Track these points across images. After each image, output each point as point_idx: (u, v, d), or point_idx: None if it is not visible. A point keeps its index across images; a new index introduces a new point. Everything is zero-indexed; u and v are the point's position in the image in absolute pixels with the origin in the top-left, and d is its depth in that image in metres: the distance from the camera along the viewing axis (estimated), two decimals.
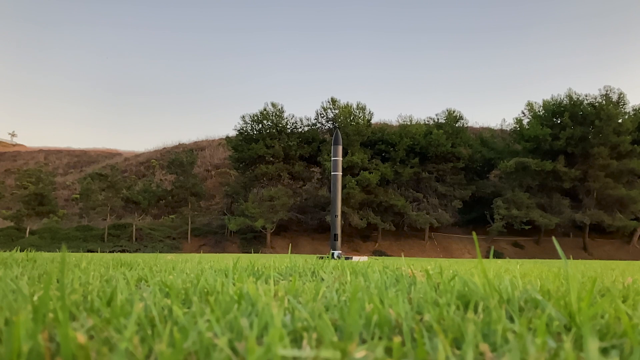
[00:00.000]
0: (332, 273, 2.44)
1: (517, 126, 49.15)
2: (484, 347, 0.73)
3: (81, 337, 0.68)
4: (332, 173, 7.62)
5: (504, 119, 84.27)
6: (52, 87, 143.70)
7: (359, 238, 46.69)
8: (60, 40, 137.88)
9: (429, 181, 47.58)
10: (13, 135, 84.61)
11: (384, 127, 51.22)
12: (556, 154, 45.33)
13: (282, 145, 47.17)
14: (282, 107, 48.92)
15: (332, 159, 7.58)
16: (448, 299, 1.14)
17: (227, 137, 52.08)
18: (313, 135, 47.86)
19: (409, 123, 49.55)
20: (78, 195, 50.27)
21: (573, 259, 11.26)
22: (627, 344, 0.79)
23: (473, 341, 0.71)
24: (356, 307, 0.79)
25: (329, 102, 48.26)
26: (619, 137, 44.12)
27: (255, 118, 48.45)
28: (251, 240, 45.26)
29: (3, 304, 0.97)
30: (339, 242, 7.23)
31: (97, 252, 26.69)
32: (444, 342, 0.72)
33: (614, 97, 45.90)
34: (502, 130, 57.67)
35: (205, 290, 1.45)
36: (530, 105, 48.98)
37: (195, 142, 71.97)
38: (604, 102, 45.33)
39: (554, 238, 1.43)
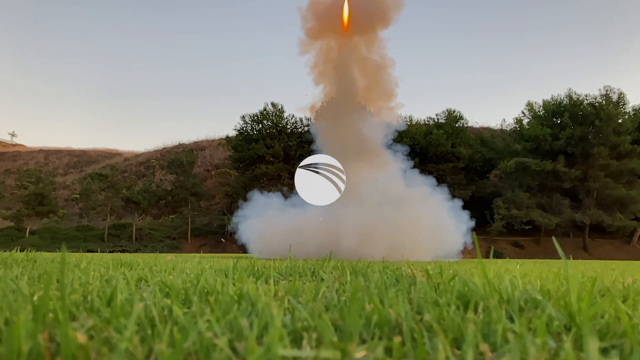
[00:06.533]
0: (332, 273, 2.44)
1: (517, 126, 49.16)
2: (484, 347, 0.73)
3: (81, 337, 0.68)
4: None
5: (504, 119, 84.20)
6: (52, 87, 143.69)
7: None
8: (60, 41, 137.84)
9: None
10: (13, 135, 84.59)
11: None
12: (556, 154, 45.34)
13: (282, 145, 47.15)
14: (282, 107, 48.95)
15: None
16: (448, 299, 1.14)
17: (227, 137, 52.08)
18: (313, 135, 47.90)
19: (409, 123, 49.53)
20: (78, 195, 50.29)
21: (573, 259, 11.26)
22: (627, 344, 0.79)
23: (473, 341, 0.71)
24: (356, 307, 0.79)
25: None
26: (619, 137, 44.15)
27: (255, 118, 48.47)
28: None
29: (3, 304, 0.97)
30: None
31: (97, 252, 26.69)
32: (444, 342, 0.72)
33: (614, 97, 45.93)
34: (502, 130, 57.65)
35: (205, 290, 1.45)
36: (530, 105, 49.01)
37: (195, 142, 71.93)
38: (604, 102, 45.36)
39: (554, 238, 1.43)
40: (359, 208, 16.62)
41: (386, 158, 19.07)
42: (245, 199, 22.80)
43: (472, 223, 18.87)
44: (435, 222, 17.04)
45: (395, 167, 19.08)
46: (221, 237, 45.76)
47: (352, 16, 19.12)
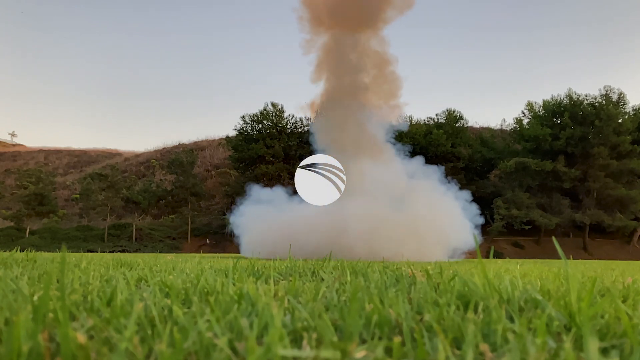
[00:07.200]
0: (332, 273, 2.44)
1: (517, 126, 49.16)
2: (484, 347, 0.73)
3: (81, 337, 0.68)
4: None
5: (504, 119, 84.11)
6: (52, 87, 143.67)
7: None
8: (60, 41, 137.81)
9: None
10: (13, 135, 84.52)
11: None
12: (556, 154, 45.34)
13: (282, 145, 47.16)
14: (282, 107, 48.96)
15: None
16: (448, 299, 1.14)
17: (227, 137, 52.10)
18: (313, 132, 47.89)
19: (409, 123, 49.52)
20: (78, 195, 50.29)
21: (573, 259, 11.26)
22: (627, 344, 0.79)
23: (473, 341, 0.71)
24: (356, 307, 0.79)
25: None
26: (619, 137, 44.15)
27: (255, 118, 48.48)
28: None
29: (3, 304, 0.97)
30: None
31: (97, 252, 26.69)
32: (444, 342, 0.72)
33: (614, 97, 45.93)
34: (502, 130, 57.64)
35: (205, 290, 1.45)
36: (530, 105, 49.00)
37: (195, 142, 71.87)
38: (604, 102, 45.35)
39: (554, 238, 1.43)
40: (360, 206, 16.07)
41: (389, 154, 18.79)
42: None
43: (482, 219, 18.44)
44: (443, 219, 16.43)
45: (398, 162, 18.74)
46: (218, 238, 45.76)
47: (353, 11, 18.91)
